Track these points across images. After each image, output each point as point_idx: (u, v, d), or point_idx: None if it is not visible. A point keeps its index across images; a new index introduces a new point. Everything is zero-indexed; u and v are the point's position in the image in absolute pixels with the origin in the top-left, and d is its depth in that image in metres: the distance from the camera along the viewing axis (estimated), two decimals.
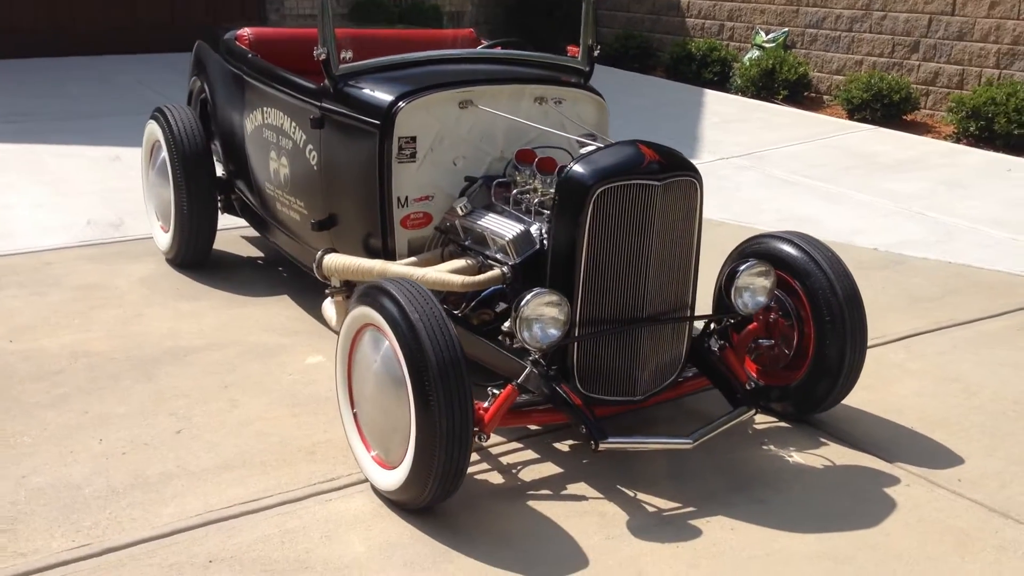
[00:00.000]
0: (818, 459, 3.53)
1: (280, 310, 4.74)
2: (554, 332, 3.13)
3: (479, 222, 3.70)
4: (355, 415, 3.28)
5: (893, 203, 6.86)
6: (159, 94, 9.65)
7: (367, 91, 3.83)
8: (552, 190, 3.60)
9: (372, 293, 3.08)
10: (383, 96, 3.76)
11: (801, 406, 3.69)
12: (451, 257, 3.80)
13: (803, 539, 3.05)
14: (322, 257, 3.91)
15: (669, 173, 3.26)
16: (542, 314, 3.10)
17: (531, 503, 3.21)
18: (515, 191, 3.70)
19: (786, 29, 10.77)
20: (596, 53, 4.37)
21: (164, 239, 5.22)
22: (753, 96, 10.32)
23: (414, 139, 3.75)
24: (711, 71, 10.92)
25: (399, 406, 3.00)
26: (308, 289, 4.93)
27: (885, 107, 9.30)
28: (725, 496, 3.28)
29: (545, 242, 3.51)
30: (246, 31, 4.78)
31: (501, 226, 3.60)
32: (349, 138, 3.86)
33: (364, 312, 3.11)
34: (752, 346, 3.74)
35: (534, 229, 3.55)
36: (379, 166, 3.74)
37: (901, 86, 9.33)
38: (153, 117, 5.15)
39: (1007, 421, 3.86)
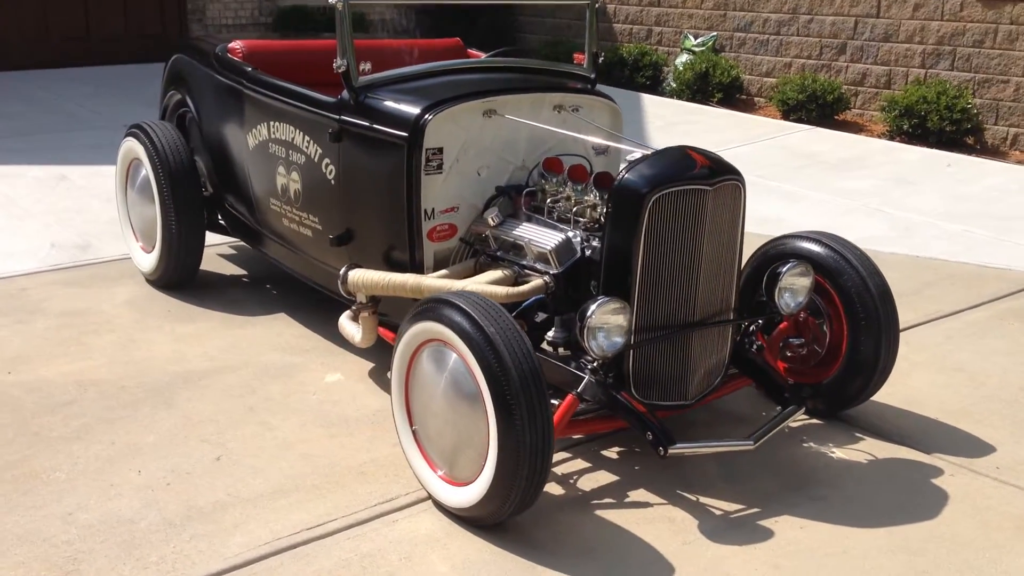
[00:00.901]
0: (860, 454, 3.61)
1: (282, 328, 4.63)
2: (618, 340, 3.13)
3: (514, 232, 3.68)
4: (414, 432, 3.22)
5: (850, 200, 7.05)
6: (85, 108, 9.36)
7: (391, 103, 3.77)
8: (587, 198, 3.62)
9: (437, 308, 3.03)
10: (409, 108, 3.70)
11: (833, 403, 3.76)
12: (483, 268, 3.77)
13: (872, 534, 3.11)
14: (347, 272, 3.83)
15: (718, 177, 3.30)
16: (607, 322, 3.10)
17: (598, 512, 3.20)
18: (548, 200, 3.69)
19: (715, 33, 10.97)
20: (600, 60, 4.39)
21: (147, 260, 5.04)
22: (688, 99, 10.49)
23: (441, 150, 3.71)
24: (643, 75, 11.07)
25: (473, 422, 2.95)
26: (303, 306, 4.83)
27: (820, 107, 9.56)
28: (783, 495, 3.32)
29: (585, 250, 3.51)
30: (237, 44, 4.65)
31: (540, 235, 3.59)
32: (373, 151, 3.80)
33: (429, 328, 3.06)
34: (781, 345, 3.80)
35: (573, 237, 3.54)
36: (407, 178, 3.69)
37: (834, 87, 9.60)
38: (131, 134, 4.97)
39: (1021, 408, 4.00)
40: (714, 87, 10.32)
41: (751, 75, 10.77)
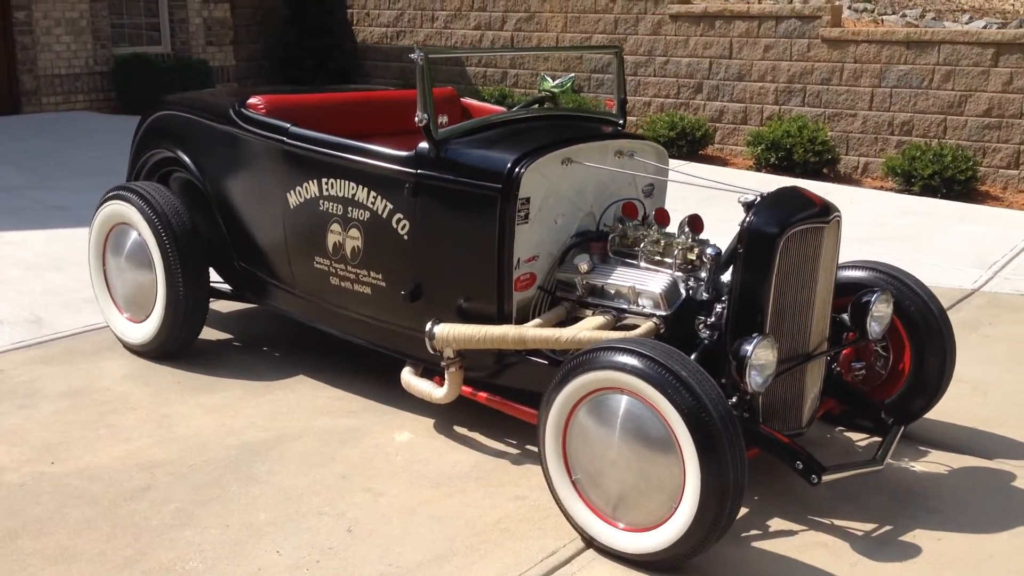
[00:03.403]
0: (936, 466, 3.88)
1: (313, 392, 4.46)
2: (771, 375, 3.26)
3: (610, 278, 3.74)
4: (575, 483, 3.22)
5: None
6: None
7: (478, 154, 3.76)
8: (679, 240, 3.74)
9: (610, 357, 3.05)
10: (499, 159, 3.70)
11: (879, 422, 3.99)
12: (575, 314, 3.81)
13: (1001, 538, 3.36)
14: (433, 328, 3.76)
15: (831, 214, 3.50)
16: (764, 358, 3.22)
17: (754, 544, 3.30)
18: (642, 244, 3.79)
19: (572, 75, 11.29)
20: (626, 106, 4.54)
21: (139, 330, 4.72)
22: None
23: (528, 200, 3.73)
24: None
25: (664, 466, 2.99)
26: (318, 367, 4.69)
27: (689, 143, 10.08)
28: (902, 510, 3.53)
29: (688, 291, 3.63)
30: (257, 100, 4.46)
31: (645, 279, 3.67)
32: (458, 204, 3.76)
33: (602, 377, 3.07)
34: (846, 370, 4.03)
35: (678, 279, 3.66)
36: (499, 229, 3.68)
37: (700, 124, 10.16)
38: (119, 197, 4.67)
39: None
40: None
41: None
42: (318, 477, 3.69)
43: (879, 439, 3.97)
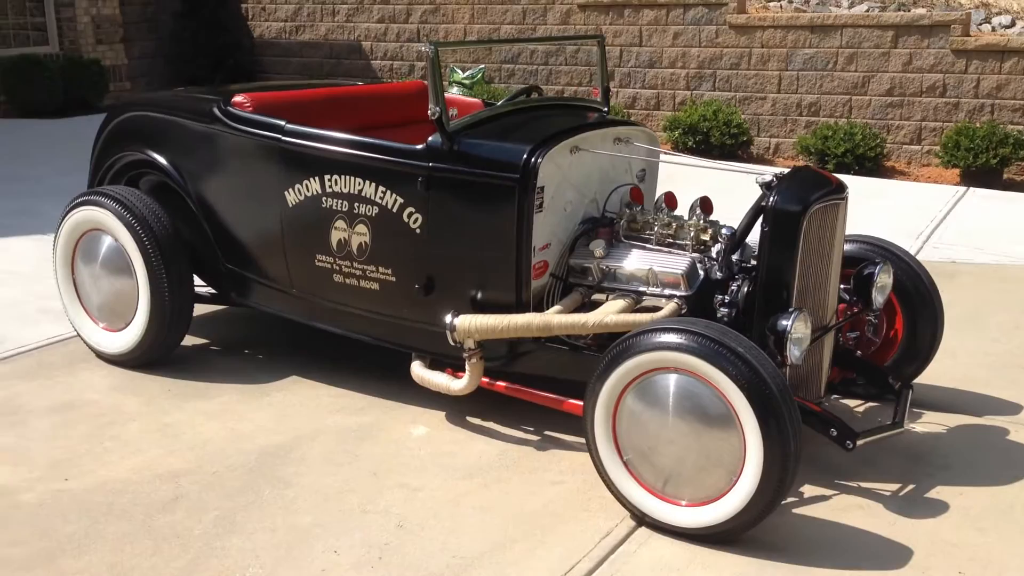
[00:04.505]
0: (933, 426, 4.08)
1: (311, 391, 4.40)
2: (806, 347, 3.38)
3: (625, 261, 3.81)
4: (626, 463, 3.27)
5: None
6: None
7: (492, 146, 3.76)
8: (690, 222, 3.84)
9: (658, 339, 3.11)
10: (516, 149, 3.72)
11: (887, 387, 4.19)
12: (591, 301, 3.86)
13: (1016, 488, 3.57)
14: (454, 320, 3.76)
15: (844, 191, 3.64)
16: (802, 332, 3.34)
17: (796, 511, 3.42)
18: (657, 228, 3.86)
19: (482, 66, 11.37)
20: (610, 94, 4.61)
21: (118, 339, 4.57)
22: None
23: (543, 189, 3.76)
24: None
25: (724, 441, 3.07)
26: (309, 367, 4.62)
27: None
28: (917, 469, 3.71)
29: (705, 271, 3.73)
30: (243, 98, 4.34)
31: (664, 261, 3.75)
32: (474, 196, 3.76)
33: (653, 359, 3.13)
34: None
35: (697, 260, 3.75)
36: (518, 219, 3.70)
37: (616, 111, 10.31)
38: (91, 203, 4.49)
39: (1005, 371, 4.66)
40: None
41: None
42: (348, 476, 3.65)
43: (877, 404, 4.19)
